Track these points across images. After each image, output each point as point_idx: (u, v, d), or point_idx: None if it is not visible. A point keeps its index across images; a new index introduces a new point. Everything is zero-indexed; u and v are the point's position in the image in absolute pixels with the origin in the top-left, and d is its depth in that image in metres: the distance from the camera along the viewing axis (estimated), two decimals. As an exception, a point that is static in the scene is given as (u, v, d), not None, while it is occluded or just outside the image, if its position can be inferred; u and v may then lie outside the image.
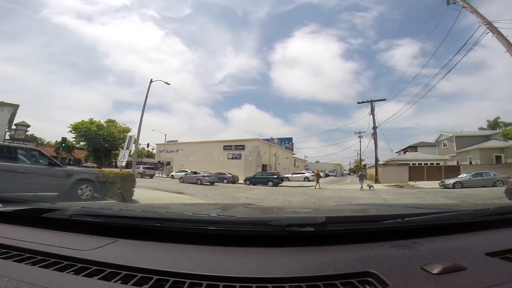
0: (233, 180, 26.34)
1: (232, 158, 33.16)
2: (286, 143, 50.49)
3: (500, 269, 0.62)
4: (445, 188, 18.11)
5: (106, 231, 0.85)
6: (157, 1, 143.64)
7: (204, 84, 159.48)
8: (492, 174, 18.71)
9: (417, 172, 25.29)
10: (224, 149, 34.23)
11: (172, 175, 31.82)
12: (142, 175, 27.17)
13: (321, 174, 25.64)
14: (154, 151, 45.95)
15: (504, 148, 29.98)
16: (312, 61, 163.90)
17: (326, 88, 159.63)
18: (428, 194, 14.12)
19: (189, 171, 29.73)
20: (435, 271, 0.57)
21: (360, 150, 57.39)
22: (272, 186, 22.60)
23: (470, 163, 30.28)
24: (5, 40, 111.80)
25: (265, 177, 23.83)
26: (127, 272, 0.61)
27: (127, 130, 26.17)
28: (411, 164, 27.91)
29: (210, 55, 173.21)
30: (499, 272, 0.60)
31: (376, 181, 25.31)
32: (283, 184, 24.39)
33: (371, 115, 28.57)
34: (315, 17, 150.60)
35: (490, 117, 35.69)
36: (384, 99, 28.74)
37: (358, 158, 61.99)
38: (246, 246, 0.76)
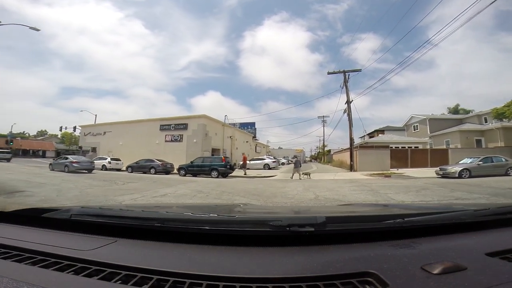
0: (165, 169, 19.02)
1: (172, 141, 25.50)
2: (249, 128, 43.92)
3: (500, 269, 0.62)
4: (447, 177, 13.18)
5: (106, 231, 0.85)
6: None
7: (166, 70, 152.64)
8: (503, 159, 14.25)
9: (399, 157, 20.48)
10: (161, 129, 26.32)
11: None
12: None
13: (283, 160, 20.02)
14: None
15: (485, 131, 27.08)
16: (279, 50, 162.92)
17: (291, 77, 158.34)
18: (443, 188, 8.69)
19: (109, 158, 21.89)
20: (435, 271, 0.57)
21: (324, 134, 53.76)
22: (217, 177, 15.87)
23: (448, 146, 27.00)
24: None
25: (208, 165, 16.95)
26: (127, 272, 0.61)
27: None
28: (393, 148, 23.04)
29: (174, 40, 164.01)
30: (499, 272, 0.60)
31: (352, 168, 19.99)
32: (234, 173, 17.75)
33: (344, 87, 23.17)
34: (286, 5, 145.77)
35: (433, 111, 35.29)
36: (360, 70, 23.58)
37: (322, 143, 58.92)
38: (246, 246, 0.76)
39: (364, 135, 38.94)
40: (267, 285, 0.56)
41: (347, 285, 0.57)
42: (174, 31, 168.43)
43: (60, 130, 37.07)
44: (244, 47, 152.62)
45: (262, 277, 0.58)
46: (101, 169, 21.43)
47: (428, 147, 27.40)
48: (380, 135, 34.90)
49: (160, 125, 26.36)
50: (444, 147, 27.05)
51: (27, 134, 67.98)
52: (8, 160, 30.57)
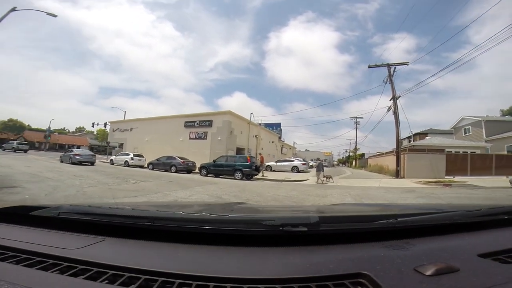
0: (187, 167, 17.73)
1: (196, 138, 24.33)
2: (274, 128, 41.96)
3: (492, 270, 0.62)
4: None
5: (95, 230, 0.83)
6: None
7: (195, 71, 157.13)
8: None
9: (457, 162, 17.18)
10: (185, 126, 25.27)
11: (111, 159, 23.38)
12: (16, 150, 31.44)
13: (312, 163, 18.04)
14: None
15: None
16: (306, 51, 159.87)
17: (319, 79, 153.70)
18: None
19: (132, 154, 21.30)
20: (427, 273, 0.57)
21: (356, 136, 49.89)
22: (241, 178, 14.16)
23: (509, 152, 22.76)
24: None
25: (231, 165, 15.20)
26: (114, 272, 0.59)
27: None
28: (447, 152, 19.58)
29: (203, 41, 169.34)
30: (492, 274, 0.60)
31: (398, 174, 17.13)
32: (260, 175, 15.87)
33: (389, 83, 20.32)
34: (312, 5, 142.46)
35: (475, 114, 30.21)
36: (407, 63, 20.58)
37: (352, 146, 54.95)
38: (239, 246, 0.75)
39: (410, 136, 34.90)
40: (259, 285, 0.55)
41: (340, 286, 0.56)
42: (203, 33, 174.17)
43: (93, 126, 37.82)
44: (269, 48, 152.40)
45: (254, 278, 0.58)
46: (124, 165, 20.89)
47: (486, 152, 23.30)
48: (427, 138, 30.85)
49: (185, 122, 25.36)
50: (505, 152, 22.83)
51: (67, 130, 72.54)
52: (25, 151, 32.39)
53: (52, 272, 0.60)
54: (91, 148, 57.82)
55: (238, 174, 14.47)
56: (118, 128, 33.80)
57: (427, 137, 31.29)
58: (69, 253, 0.67)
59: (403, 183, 13.41)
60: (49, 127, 48.26)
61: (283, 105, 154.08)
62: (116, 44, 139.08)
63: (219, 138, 22.57)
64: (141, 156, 22.22)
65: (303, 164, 23.31)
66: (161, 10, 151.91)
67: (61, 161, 18.74)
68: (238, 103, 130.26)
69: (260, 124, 31.87)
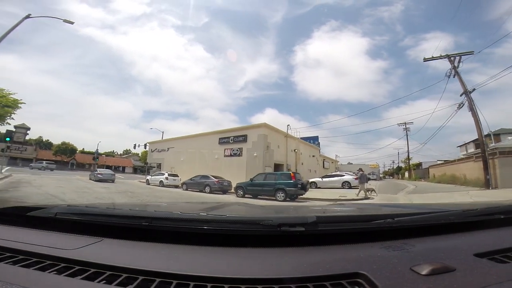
0: (222, 187, 16.02)
1: (231, 155, 22.80)
2: (312, 142, 39.04)
3: (488, 270, 0.62)
4: None
5: (92, 230, 0.83)
6: (175, 11, 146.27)
7: (227, 90, 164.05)
8: None
9: None
10: (220, 142, 24.01)
11: (147, 179, 23.11)
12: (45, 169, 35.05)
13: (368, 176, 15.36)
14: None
15: None
16: (335, 60, 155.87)
17: (352, 88, 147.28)
18: None
19: (166, 173, 20.51)
20: (424, 272, 0.57)
21: (408, 144, 44.15)
22: (284, 200, 11.89)
23: None
24: (42, 54, 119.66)
25: (271, 183, 12.77)
26: (111, 272, 0.60)
27: (14, 102, 13.34)
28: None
29: (231, 61, 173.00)
30: (487, 274, 0.60)
31: (489, 184, 13.19)
32: (307, 195, 13.13)
33: (453, 75, 16.75)
34: (333, 14, 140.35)
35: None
36: (472, 52, 16.87)
37: (399, 156, 48.78)
38: (236, 246, 0.75)
39: (462, 145, 28.98)
40: (256, 286, 0.55)
41: (337, 286, 0.57)
42: (230, 53, 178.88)
43: (134, 147, 39.32)
44: (296, 61, 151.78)
45: (251, 278, 0.57)
46: (159, 185, 20.26)
47: None
48: (508, 138, 25.25)
49: (219, 139, 24.13)
50: None
51: (116, 153, 78.08)
52: (51, 170, 38.22)
53: (50, 272, 0.60)
54: (135, 169, 61.29)
55: (280, 195, 12.04)
56: (156, 149, 34.19)
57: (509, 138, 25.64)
58: (67, 253, 0.67)
59: (504, 195, 9.83)
60: (97, 149, 51.81)
61: (317, 118, 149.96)
62: (154, 68, 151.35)
63: (255, 154, 20.70)
64: (176, 175, 21.39)
65: (356, 178, 20.05)
66: (190, 33, 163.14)
67: (90, 179, 22.00)
68: (270, 119, 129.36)
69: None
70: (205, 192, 15.77)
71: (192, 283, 0.56)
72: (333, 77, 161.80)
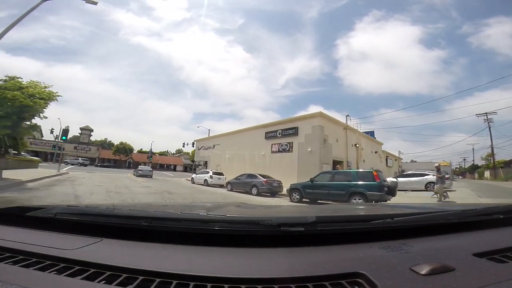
0: (271, 188, 13.31)
1: (279, 151, 19.94)
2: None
3: (487, 270, 0.62)
4: None
5: (92, 231, 0.83)
6: (212, 14, 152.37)
7: (269, 89, 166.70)
8: None
9: None
10: (266, 137, 21.37)
11: (192, 178, 21.79)
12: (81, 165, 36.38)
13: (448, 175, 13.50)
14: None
15: None
16: (384, 52, 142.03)
17: (407, 80, 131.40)
18: None
19: (211, 172, 18.81)
20: (423, 272, 0.58)
21: (491, 136, 35.22)
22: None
23: None
24: (102, 63, 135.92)
25: (343, 185, 9.26)
26: (111, 272, 0.60)
27: (49, 94, 10.27)
28: None
29: (271, 60, 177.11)
30: (486, 273, 0.60)
31: None
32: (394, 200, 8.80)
33: None
34: (375, 4, 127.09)
35: None
36: None
37: (476, 153, 39.45)
38: (236, 246, 0.75)
39: None
40: (256, 286, 0.56)
41: (337, 286, 0.57)
42: (269, 52, 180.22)
43: (183, 146, 40.04)
44: (339, 56, 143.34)
45: (251, 278, 0.58)
46: (203, 184, 18.75)
47: None
48: None
49: (266, 133, 21.50)
50: None
51: (169, 152, 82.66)
52: (85, 165, 41.35)
53: (50, 272, 0.60)
54: (185, 167, 63.52)
55: (358, 201, 8.33)
56: (202, 146, 33.40)
57: None
58: (66, 253, 0.67)
59: None
60: (151, 149, 54.61)
61: (368, 113, 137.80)
62: (200, 72, 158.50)
63: (309, 149, 17.44)
64: (220, 174, 19.47)
65: (447, 177, 15.13)
66: (229, 35, 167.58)
67: (133, 174, 25.34)
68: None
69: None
70: (251, 194, 13.27)
71: (192, 283, 0.56)
72: (383, 69, 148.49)
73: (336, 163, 18.24)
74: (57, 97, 10.97)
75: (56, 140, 42.75)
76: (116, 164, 52.01)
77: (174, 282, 0.56)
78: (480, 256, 0.69)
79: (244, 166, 21.71)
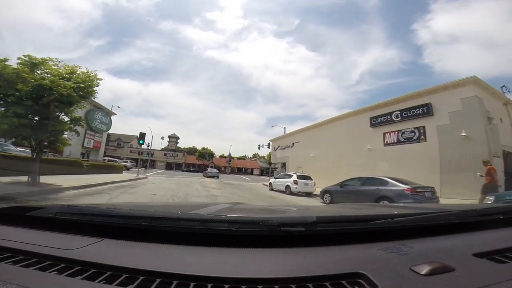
0: (422, 201, 7.07)
1: (398, 142, 13.50)
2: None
3: (487, 270, 0.62)
4: None
5: (92, 230, 0.83)
6: (267, 19, 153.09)
7: (341, 86, 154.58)
8: None
9: None
10: (372, 125, 15.20)
11: (270, 183, 16.91)
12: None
13: None
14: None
15: None
16: (477, 31, 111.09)
17: None
18: None
19: (295, 175, 14.01)
20: (423, 272, 0.58)
21: None
22: None
23: None
24: (186, 79, 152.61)
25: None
26: (111, 272, 0.60)
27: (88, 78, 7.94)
28: None
29: (339, 56, 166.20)
30: (487, 273, 0.60)
31: None
32: None
33: None
34: None
35: None
36: None
37: None
38: (236, 247, 0.75)
39: None
40: (256, 285, 0.56)
41: (337, 286, 0.57)
42: (335, 47, 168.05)
43: (259, 148, 37.27)
44: (422, 41, 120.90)
45: (251, 278, 0.58)
46: (285, 192, 13.90)
47: None
48: None
49: (371, 119, 15.38)
50: None
51: (247, 156, 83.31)
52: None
53: (50, 272, 0.60)
54: (261, 170, 61.92)
55: None
56: (279, 146, 29.23)
57: None
58: (67, 253, 0.67)
59: None
60: (229, 153, 54.25)
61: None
62: (267, 76, 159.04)
63: (463, 134, 10.55)
64: (308, 178, 14.20)
65: None
66: (288, 36, 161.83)
67: (203, 176, 28.31)
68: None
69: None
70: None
71: (192, 283, 0.55)
72: (483, 50, 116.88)
73: (508, 155, 10.69)
74: (98, 81, 8.32)
75: (148, 148, 49.01)
76: (199, 168, 53.65)
77: (174, 282, 0.56)
78: (480, 256, 0.68)
79: (337, 166, 16.25)
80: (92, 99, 9.47)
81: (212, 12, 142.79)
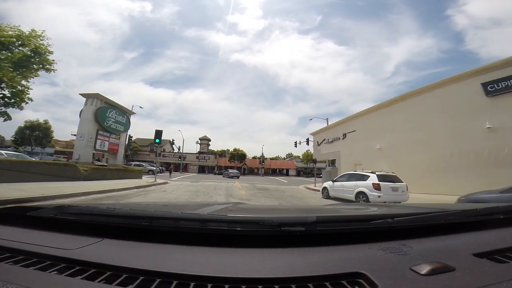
0: None
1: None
2: None
3: (487, 270, 0.62)
4: None
5: (92, 230, 0.83)
6: (288, 17, 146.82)
7: (377, 79, 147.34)
8: None
9: None
10: (489, 92, 9.60)
11: (324, 188, 11.48)
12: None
13: None
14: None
15: None
16: None
17: None
18: None
19: (374, 175, 9.34)
20: (423, 272, 0.58)
21: None
22: None
23: None
24: (216, 85, 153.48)
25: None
26: (111, 272, 0.60)
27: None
28: None
29: (370, 48, 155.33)
30: (487, 273, 0.60)
31: None
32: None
33: None
34: None
35: None
36: None
37: None
38: (236, 247, 0.75)
39: None
40: (257, 285, 0.55)
41: (337, 286, 0.57)
42: (365, 40, 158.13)
43: (295, 146, 32.02)
44: (460, 27, 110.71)
45: (251, 278, 0.58)
46: (355, 200, 8.84)
47: None
48: None
49: (484, 85, 9.83)
50: None
51: (280, 157, 78.71)
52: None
53: (50, 272, 0.60)
54: (298, 171, 57.53)
55: None
56: (324, 140, 24.19)
57: None
58: (67, 253, 0.67)
59: None
60: (262, 154, 50.31)
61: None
62: (295, 75, 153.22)
63: None
64: (395, 179, 8.82)
65: None
66: (312, 33, 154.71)
67: (223, 176, 30.17)
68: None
69: None
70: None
71: (192, 283, 0.55)
72: None
73: None
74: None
75: (180, 151, 47.57)
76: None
77: (174, 282, 0.56)
78: (480, 256, 0.68)
79: (423, 158, 11.52)
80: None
81: (233, 15, 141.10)
